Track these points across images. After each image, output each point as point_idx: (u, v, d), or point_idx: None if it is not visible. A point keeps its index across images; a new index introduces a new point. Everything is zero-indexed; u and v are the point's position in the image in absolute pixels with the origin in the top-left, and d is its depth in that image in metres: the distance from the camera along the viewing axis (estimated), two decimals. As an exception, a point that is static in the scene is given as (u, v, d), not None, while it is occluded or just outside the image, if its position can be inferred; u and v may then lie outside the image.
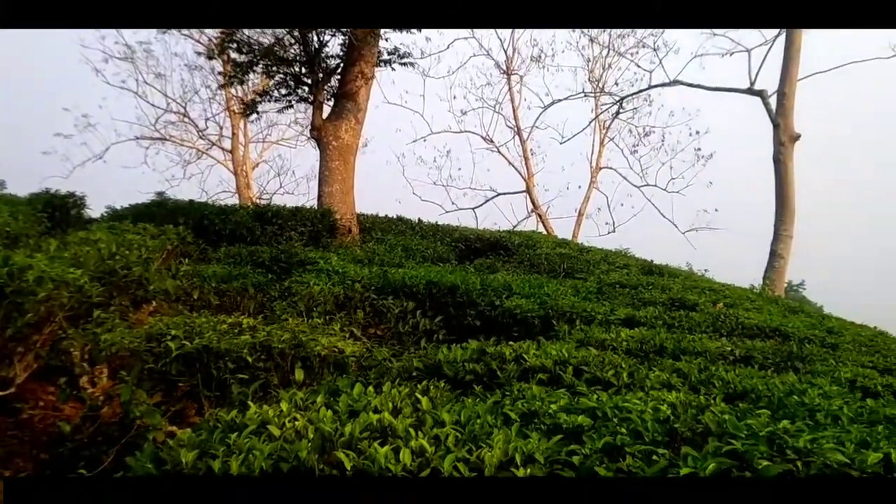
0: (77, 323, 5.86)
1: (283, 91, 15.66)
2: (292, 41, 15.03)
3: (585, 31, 31.33)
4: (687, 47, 26.08)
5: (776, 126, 22.59)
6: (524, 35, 32.97)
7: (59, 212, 11.45)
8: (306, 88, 15.26)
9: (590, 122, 32.79)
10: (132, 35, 29.97)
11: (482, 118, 39.34)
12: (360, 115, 14.84)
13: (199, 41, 28.47)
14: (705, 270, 17.25)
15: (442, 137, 34.01)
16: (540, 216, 32.73)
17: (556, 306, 8.11)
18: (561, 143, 33.42)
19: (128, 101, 32.54)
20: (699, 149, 31.30)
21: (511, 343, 5.81)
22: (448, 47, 34.21)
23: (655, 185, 31.97)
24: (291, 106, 16.04)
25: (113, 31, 29.44)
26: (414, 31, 17.51)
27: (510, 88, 33.81)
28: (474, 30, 31.68)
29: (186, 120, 33.97)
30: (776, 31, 23.77)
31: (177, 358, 4.89)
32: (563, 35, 33.59)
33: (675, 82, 27.19)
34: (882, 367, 7.93)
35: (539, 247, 14.59)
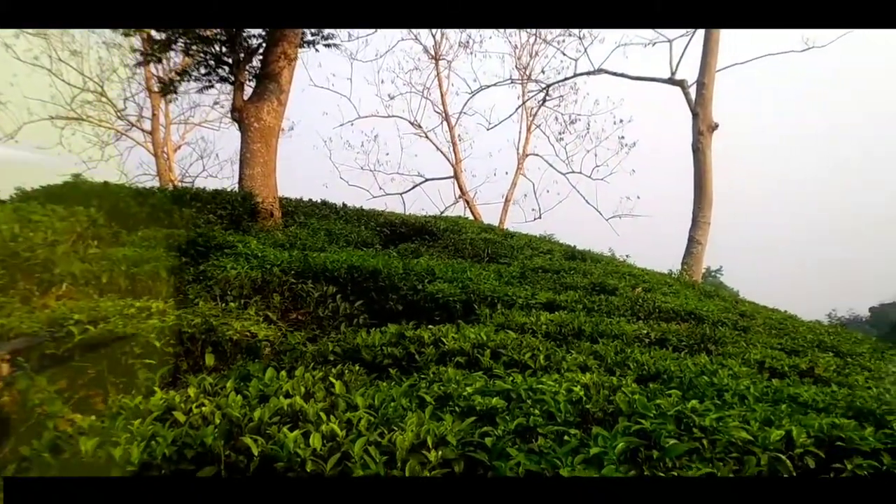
0: (-26, 308, 5.56)
1: (203, 71, 15.17)
2: (213, 19, 14.58)
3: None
4: (611, 37, 26.48)
5: (695, 115, 23.20)
6: (452, 20, 32.79)
7: (-39, 193, 10.88)
8: (227, 68, 14.83)
9: (516, 109, 33.07)
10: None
11: (410, 103, 39.33)
12: (283, 97, 14.52)
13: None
14: (627, 256, 17.64)
15: (369, 122, 33.99)
16: (467, 202, 32.86)
17: (478, 290, 8.12)
18: (488, 130, 33.61)
19: (41, 79, 30.95)
20: (623, 137, 31.97)
21: (430, 327, 5.78)
22: (376, 31, 33.90)
23: (580, 173, 32.50)
24: (212, 86, 15.54)
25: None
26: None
27: (438, 74, 33.78)
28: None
29: (104, 99, 32.73)
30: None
31: (80, 343, 4.68)
32: (491, 20, 33.52)
33: (600, 71, 27.60)
34: (790, 348, 8.25)
35: (464, 232, 14.62)
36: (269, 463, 3.05)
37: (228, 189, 14.39)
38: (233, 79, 14.69)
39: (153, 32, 15.25)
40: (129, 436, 3.19)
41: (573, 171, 32.65)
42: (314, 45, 16.17)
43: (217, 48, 14.82)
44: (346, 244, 11.70)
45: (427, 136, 33.83)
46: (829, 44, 25.86)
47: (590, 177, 32.19)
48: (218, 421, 3.35)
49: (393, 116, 33.98)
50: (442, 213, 30.35)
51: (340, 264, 8.09)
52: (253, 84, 14.80)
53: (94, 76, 32.09)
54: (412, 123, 33.80)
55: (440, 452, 3.12)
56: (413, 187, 33.59)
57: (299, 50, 15.37)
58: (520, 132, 33.99)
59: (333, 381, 4.00)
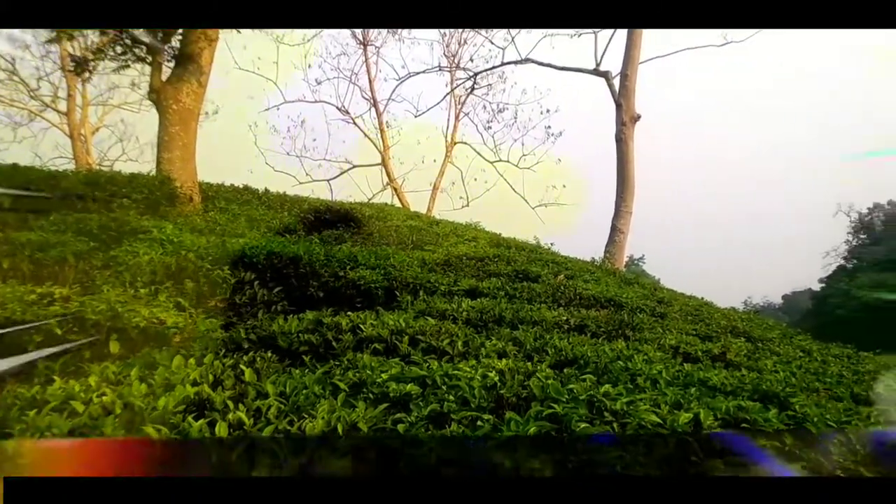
0: None
1: (120, 50, 14.56)
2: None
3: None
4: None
5: (619, 106, 23.61)
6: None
7: None
8: (144, 48, 14.29)
9: (444, 97, 33.07)
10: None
11: (338, 89, 38.80)
12: (203, 79, 14.09)
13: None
14: (552, 244, 17.79)
15: (296, 107, 33.29)
16: (395, 189, 32.71)
17: (400, 277, 8.07)
18: (416, 117, 33.53)
19: (-55, 56, 29.25)
20: (549, 127, 32.31)
21: (349, 313, 5.70)
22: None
23: (508, 161, 32.73)
24: (128, 66, 14.93)
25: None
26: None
27: (366, 60, 33.46)
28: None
29: (16, 78, 31.16)
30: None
31: (-26, 331, 4.44)
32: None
33: (527, 60, 27.81)
34: (704, 334, 8.48)
35: (390, 219, 14.55)
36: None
37: (147, 173, 13.91)
38: (150, 59, 14.17)
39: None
40: (23, 427, 3.04)
41: (501, 160, 32.91)
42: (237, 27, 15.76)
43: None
44: (267, 230, 11.46)
45: (355, 123, 33.53)
46: (745, 39, 26.72)
47: (517, 165, 32.49)
48: (119, 410, 3.21)
49: (320, 102, 33.56)
50: (370, 200, 30.13)
51: (260, 250, 7.90)
52: (172, 65, 14.31)
53: (5, 53, 30.55)
54: (340, 109, 33.44)
55: (350, 440, 3.07)
56: (340, 174, 33.26)
57: (221, 31, 14.95)
58: (448, 120, 34.06)
59: (244, 368, 3.89)
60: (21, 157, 34.01)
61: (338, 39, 46.44)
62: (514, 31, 28.97)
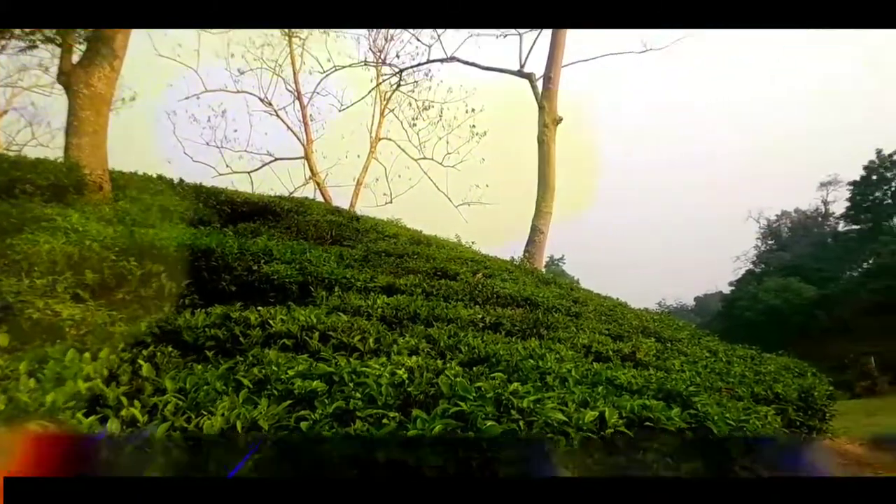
0: None
1: (27, 29, 13.89)
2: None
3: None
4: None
5: (541, 108, 23.93)
6: (306, -3, 31.94)
7: None
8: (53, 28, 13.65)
9: (369, 92, 32.79)
10: None
11: (261, 79, 37.89)
12: (117, 63, 13.52)
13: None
14: (473, 242, 17.86)
15: (217, 96, 32.28)
16: (318, 184, 32.26)
17: (316, 273, 7.94)
18: (340, 111, 33.19)
19: None
20: (474, 126, 32.40)
21: (259, 308, 5.56)
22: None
23: (432, 159, 32.69)
24: (35, 46, 14.25)
25: None
26: None
27: (291, 51, 32.85)
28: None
29: (-87, 55, 29.37)
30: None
31: None
32: (346, 1, 33.00)
33: (453, 59, 27.90)
34: (616, 334, 8.64)
35: (309, 213, 14.31)
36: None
37: (55, 159, 13.28)
38: (59, 40, 13.54)
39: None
40: None
41: (425, 158, 32.83)
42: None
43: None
44: (180, 221, 11.11)
45: (278, 115, 32.88)
46: (664, 47, 27.51)
47: (441, 163, 32.50)
48: (2, 406, 3.03)
49: (242, 92, 32.73)
50: (291, 193, 29.56)
51: (170, 242, 7.64)
52: (83, 47, 13.70)
53: None
54: (262, 100, 32.74)
55: (249, 437, 2.98)
56: (262, 166, 32.54)
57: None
58: (373, 116, 33.77)
59: (142, 363, 3.73)
60: (-82, 139, 32.14)
61: (262, 29, 45.47)
62: (440, 30, 29.03)
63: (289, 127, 32.74)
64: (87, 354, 3.81)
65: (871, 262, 56.10)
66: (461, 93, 32.71)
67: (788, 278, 57.52)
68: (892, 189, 61.05)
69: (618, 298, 15.01)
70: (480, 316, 7.32)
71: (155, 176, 14.71)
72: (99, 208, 10.66)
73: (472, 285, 9.42)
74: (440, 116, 32.78)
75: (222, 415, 3.12)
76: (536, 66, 25.27)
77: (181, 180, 14.64)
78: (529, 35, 26.68)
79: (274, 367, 3.92)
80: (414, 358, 4.39)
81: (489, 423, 3.26)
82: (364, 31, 33.77)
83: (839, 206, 74.07)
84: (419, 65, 31.00)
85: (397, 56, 32.46)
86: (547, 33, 24.99)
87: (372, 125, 33.62)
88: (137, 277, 6.53)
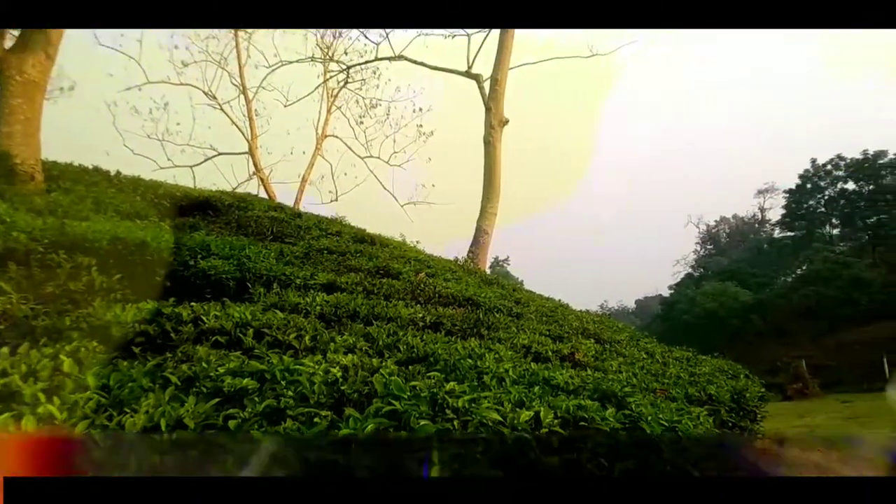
0: None
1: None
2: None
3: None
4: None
5: (488, 109, 24.03)
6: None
7: None
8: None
9: (316, 88, 32.45)
10: None
11: (205, 72, 37.05)
12: (52, 51, 13.07)
13: None
14: (417, 242, 17.82)
15: (160, 88, 31.34)
16: (262, 179, 31.74)
17: (254, 269, 7.80)
18: (286, 106, 32.73)
19: None
20: (421, 125, 32.34)
21: (192, 304, 5.41)
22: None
23: (379, 158, 32.51)
24: (-37, 30, 13.67)
25: None
26: None
27: (237, 45, 32.25)
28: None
29: None
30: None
31: None
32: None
33: (400, 57, 27.82)
34: (556, 335, 8.70)
35: (251, 209, 14.07)
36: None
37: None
38: (-10, 24, 13.04)
39: None
40: None
41: (371, 156, 32.65)
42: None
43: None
44: (115, 214, 10.78)
45: (222, 109, 32.21)
46: (610, 53, 27.92)
47: (388, 162, 32.35)
48: None
49: (186, 85, 31.98)
50: (234, 189, 29.06)
51: (102, 235, 7.40)
52: (16, 33, 13.21)
53: None
54: (206, 94, 32.06)
55: (174, 435, 2.88)
56: (205, 160, 31.83)
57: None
58: (320, 112, 33.42)
59: (64, 358, 3.58)
60: None
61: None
62: (388, 29, 28.90)
63: (233, 121, 32.15)
64: (4, 349, 3.65)
65: (803, 268, 58.02)
66: (409, 92, 32.65)
67: (725, 282, 59.06)
68: (826, 197, 63.10)
69: (560, 300, 15.16)
70: (421, 315, 7.28)
71: (91, 167, 14.27)
72: (30, 199, 10.28)
73: (414, 284, 9.38)
74: (387, 115, 32.66)
75: (146, 412, 3.01)
76: (484, 67, 25.27)
77: (118, 172, 14.23)
78: (478, 36, 26.76)
79: (204, 364, 3.80)
80: (350, 356, 4.32)
81: (423, 422, 3.22)
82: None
83: (775, 213, 76.40)
84: (367, 62, 30.85)
85: (345, 53, 32.22)
86: (495, 35, 25.11)
87: (318, 122, 33.28)
88: (66, 271, 6.30)
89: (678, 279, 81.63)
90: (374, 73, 32.38)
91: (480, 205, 23.59)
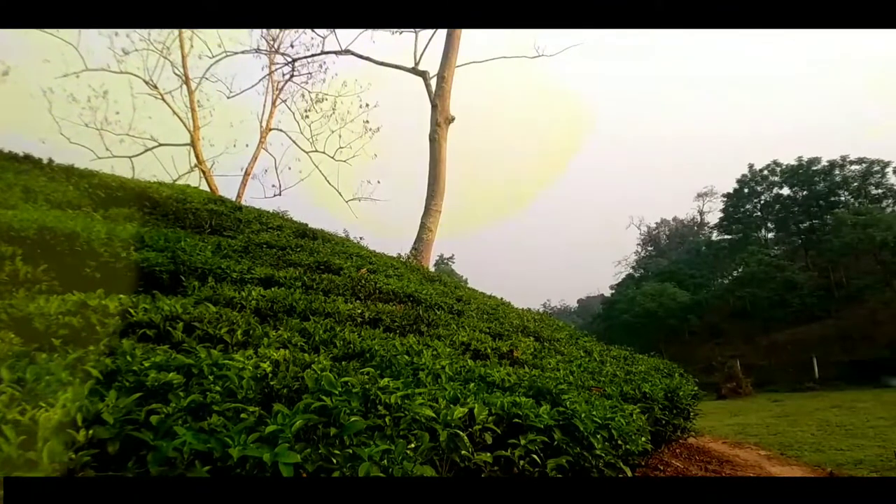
0: None
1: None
2: None
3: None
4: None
5: (434, 107, 23.98)
6: (198, -22, 30.77)
7: None
8: None
9: (260, 80, 32.04)
10: None
11: (147, 61, 36.13)
12: (-18, 32, 12.64)
13: None
14: (361, 238, 17.72)
15: (99, 76, 30.39)
16: (203, 172, 31.11)
17: (189, 262, 7.60)
18: (229, 98, 32.16)
19: None
20: (368, 121, 32.11)
21: (121, 296, 5.24)
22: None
23: (324, 153, 32.17)
24: None
25: None
26: None
27: (180, 34, 31.53)
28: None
29: None
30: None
31: None
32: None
33: (347, 51, 27.58)
34: (496, 332, 8.72)
35: (189, 201, 13.75)
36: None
37: None
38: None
39: None
40: None
41: (316, 151, 32.29)
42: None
43: None
44: (46, 203, 10.41)
45: (164, 99, 31.46)
46: (557, 53, 28.21)
47: (333, 157, 32.03)
48: None
49: (126, 73, 31.12)
50: (175, 181, 28.37)
51: (30, 224, 7.13)
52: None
53: None
54: (148, 83, 31.25)
55: (91, 432, 2.75)
56: (144, 151, 31.02)
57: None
58: (264, 105, 32.94)
59: (-23, 351, 3.41)
60: None
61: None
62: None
63: (175, 112, 31.42)
64: (-88, 341, 3.47)
65: (739, 270, 59.49)
66: (356, 87, 32.40)
67: (665, 283, 60.22)
68: (762, 202, 64.80)
69: (502, 298, 15.23)
70: (360, 311, 7.20)
71: (21, 155, 13.75)
72: (-47, 186, 9.87)
73: (354, 280, 9.28)
74: (333, 110, 32.35)
75: (63, 406, 2.87)
76: (431, 64, 25.23)
77: (50, 160, 13.75)
78: (425, 33, 26.69)
79: (128, 358, 3.67)
80: (282, 351, 4.22)
81: (353, 418, 3.16)
82: (257, 18, 32.78)
83: (713, 217, 78.22)
84: (313, 55, 30.53)
85: (291, 45, 31.88)
86: (442, 32, 25.09)
87: (263, 115, 32.81)
88: (-12, 260, 6.05)
89: (619, 279, 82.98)
90: (321, 66, 32.09)
91: (425, 202, 23.51)
